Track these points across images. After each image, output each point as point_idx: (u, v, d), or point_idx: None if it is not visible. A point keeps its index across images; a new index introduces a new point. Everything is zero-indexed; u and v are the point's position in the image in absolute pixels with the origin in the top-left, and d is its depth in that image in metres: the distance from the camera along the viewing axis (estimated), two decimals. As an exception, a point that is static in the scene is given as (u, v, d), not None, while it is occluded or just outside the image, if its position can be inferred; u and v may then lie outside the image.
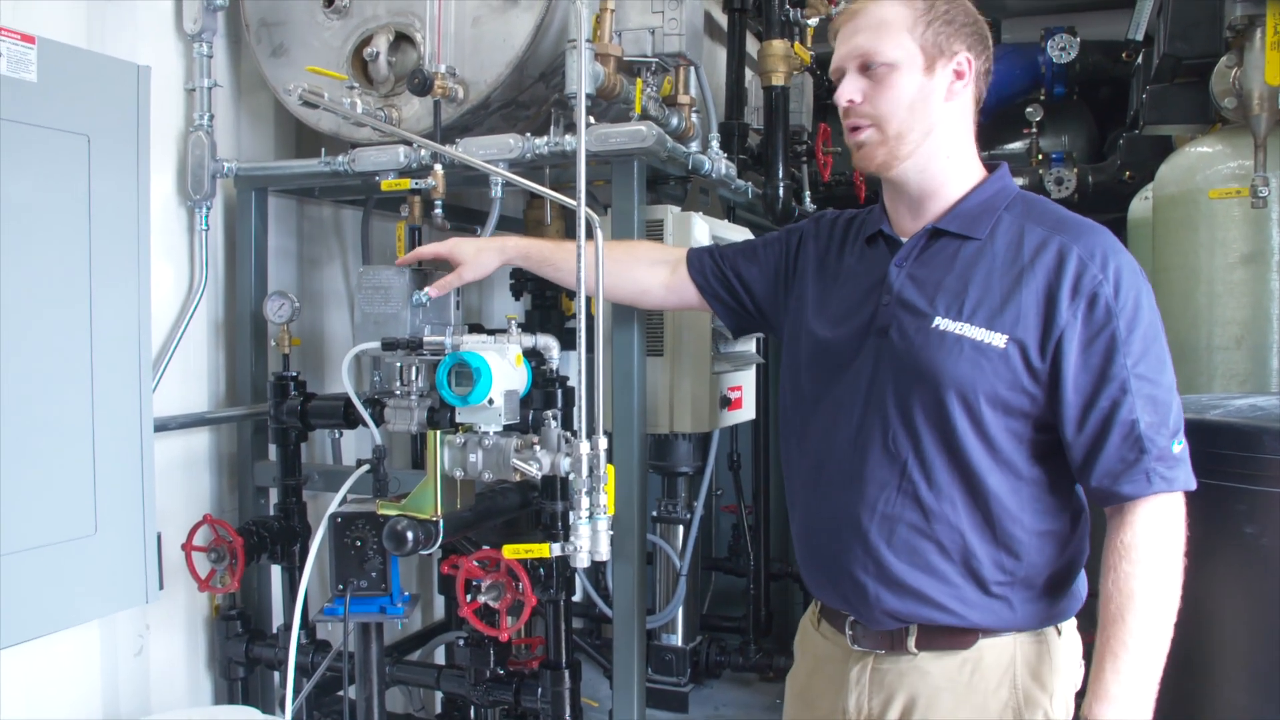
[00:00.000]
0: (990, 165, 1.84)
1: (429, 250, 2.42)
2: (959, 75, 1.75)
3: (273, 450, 2.83)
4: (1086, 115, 5.89)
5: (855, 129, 1.80)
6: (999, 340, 1.68)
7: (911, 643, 1.77)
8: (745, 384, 2.95)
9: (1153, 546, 1.65)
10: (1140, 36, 5.02)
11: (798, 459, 1.93)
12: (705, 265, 2.21)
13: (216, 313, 3.01)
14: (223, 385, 3.03)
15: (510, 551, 2.13)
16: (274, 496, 2.86)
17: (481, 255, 2.38)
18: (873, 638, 1.81)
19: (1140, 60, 4.25)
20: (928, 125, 1.75)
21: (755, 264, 2.14)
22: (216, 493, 2.99)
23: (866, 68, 1.76)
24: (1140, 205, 4.04)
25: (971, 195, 1.79)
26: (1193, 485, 1.68)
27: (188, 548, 2.66)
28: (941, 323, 1.72)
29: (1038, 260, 1.68)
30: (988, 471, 1.71)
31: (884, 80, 1.74)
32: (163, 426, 2.65)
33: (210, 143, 2.89)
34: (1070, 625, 1.81)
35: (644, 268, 2.29)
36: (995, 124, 5.78)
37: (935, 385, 1.70)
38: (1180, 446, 1.67)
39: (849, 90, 1.77)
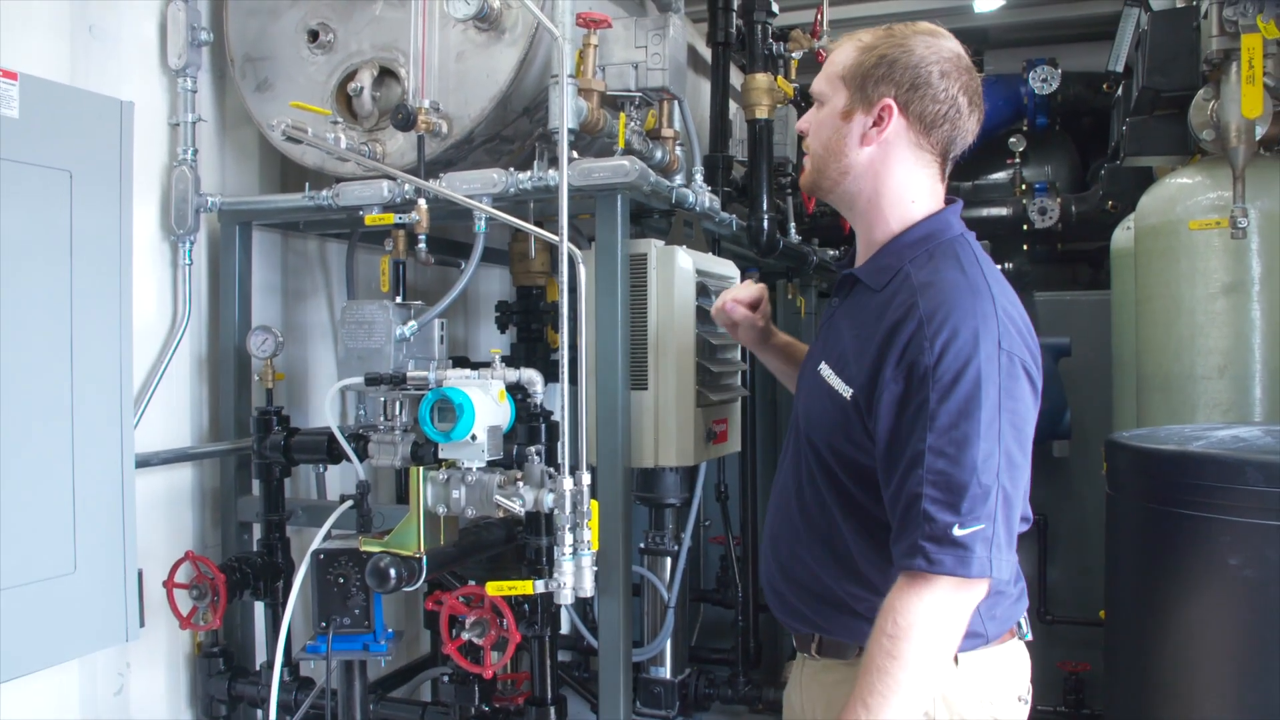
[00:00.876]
0: (949, 200, 1.82)
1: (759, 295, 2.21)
2: (878, 122, 1.74)
3: (256, 485, 2.81)
4: (1069, 145, 5.95)
5: (804, 154, 1.88)
6: (846, 391, 1.70)
7: (813, 647, 1.84)
8: (731, 417, 2.94)
9: (902, 620, 1.56)
10: (1120, 68, 5.08)
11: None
12: None
13: (200, 347, 3.00)
14: (206, 420, 3.01)
15: (494, 588, 2.12)
16: (257, 532, 2.84)
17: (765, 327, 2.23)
18: (799, 641, 1.88)
19: (1120, 92, 4.29)
20: (843, 166, 1.77)
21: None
22: (199, 528, 2.97)
23: (816, 100, 1.82)
24: (1123, 235, 4.07)
25: (895, 241, 1.78)
26: (970, 574, 1.53)
27: (169, 585, 2.64)
28: (822, 369, 1.78)
29: (890, 319, 1.66)
30: (840, 510, 1.75)
31: (819, 113, 1.81)
32: (145, 463, 2.64)
33: (194, 177, 2.89)
34: (971, 657, 1.72)
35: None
36: (979, 154, 5.81)
37: (806, 427, 1.80)
38: (967, 531, 1.53)
39: (803, 119, 1.86)
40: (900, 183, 1.78)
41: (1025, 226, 5.44)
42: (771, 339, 2.24)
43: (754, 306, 2.17)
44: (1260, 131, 3.00)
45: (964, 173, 5.66)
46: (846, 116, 1.76)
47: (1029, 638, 1.82)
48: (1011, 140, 5.64)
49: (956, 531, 1.53)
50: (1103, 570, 4.50)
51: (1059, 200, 5.40)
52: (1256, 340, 3.08)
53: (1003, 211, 5.46)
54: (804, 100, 4.17)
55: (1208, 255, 3.11)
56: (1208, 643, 2.10)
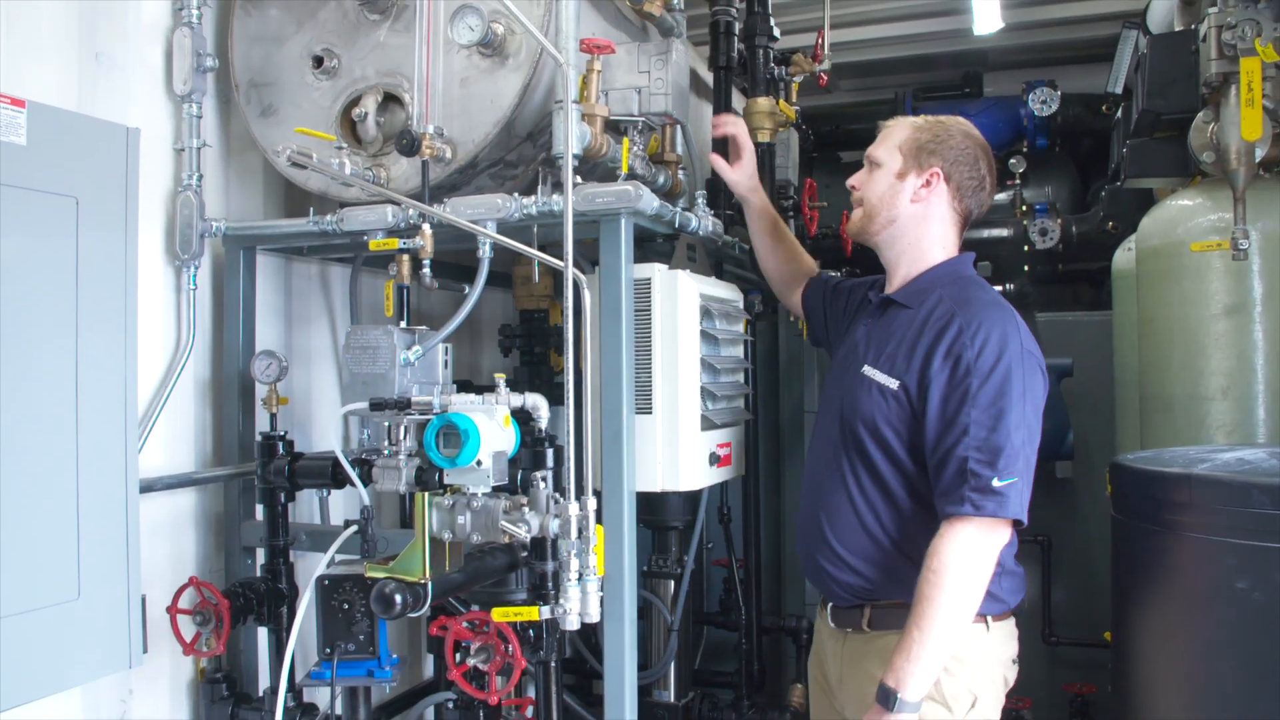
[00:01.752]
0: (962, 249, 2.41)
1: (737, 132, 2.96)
2: (926, 185, 2.34)
3: (260, 510, 2.81)
4: (1069, 166, 5.97)
5: (854, 204, 2.47)
6: (893, 383, 2.23)
7: (865, 621, 2.27)
8: (734, 440, 2.94)
9: (952, 557, 2.04)
10: (1119, 90, 5.11)
11: (805, 470, 2.52)
12: (813, 292, 2.82)
13: (203, 371, 3.00)
14: (209, 444, 3.01)
15: (499, 614, 2.12)
16: (260, 557, 2.84)
17: (753, 179, 2.97)
18: (841, 618, 2.33)
19: (1120, 113, 4.31)
20: (892, 215, 2.37)
21: (837, 304, 2.72)
22: (202, 553, 2.96)
23: (871, 164, 2.43)
24: (1124, 256, 4.08)
25: (921, 276, 2.36)
26: (1008, 515, 2.04)
27: (173, 610, 2.63)
28: (865, 369, 2.30)
29: (934, 327, 2.21)
30: (892, 482, 2.24)
31: (872, 174, 2.42)
32: (149, 488, 2.63)
33: (199, 202, 2.90)
34: (1002, 623, 2.24)
35: (801, 274, 2.91)
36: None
37: (853, 414, 2.28)
38: (1004, 483, 2.03)
39: (855, 177, 2.48)
40: (934, 233, 2.38)
41: (1026, 247, 5.44)
42: (760, 190, 2.94)
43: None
44: (1260, 154, 3.02)
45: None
46: (901, 177, 2.36)
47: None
48: (1012, 161, 5.65)
49: (995, 483, 2.04)
50: (1107, 591, 4.49)
51: (1060, 221, 5.40)
52: (1259, 361, 3.08)
53: (1004, 232, 5.46)
54: (804, 123, 4.20)
55: (1209, 277, 3.12)
56: (1216, 667, 2.09)
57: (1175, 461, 2.28)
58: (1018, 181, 5.67)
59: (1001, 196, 5.92)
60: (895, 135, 2.40)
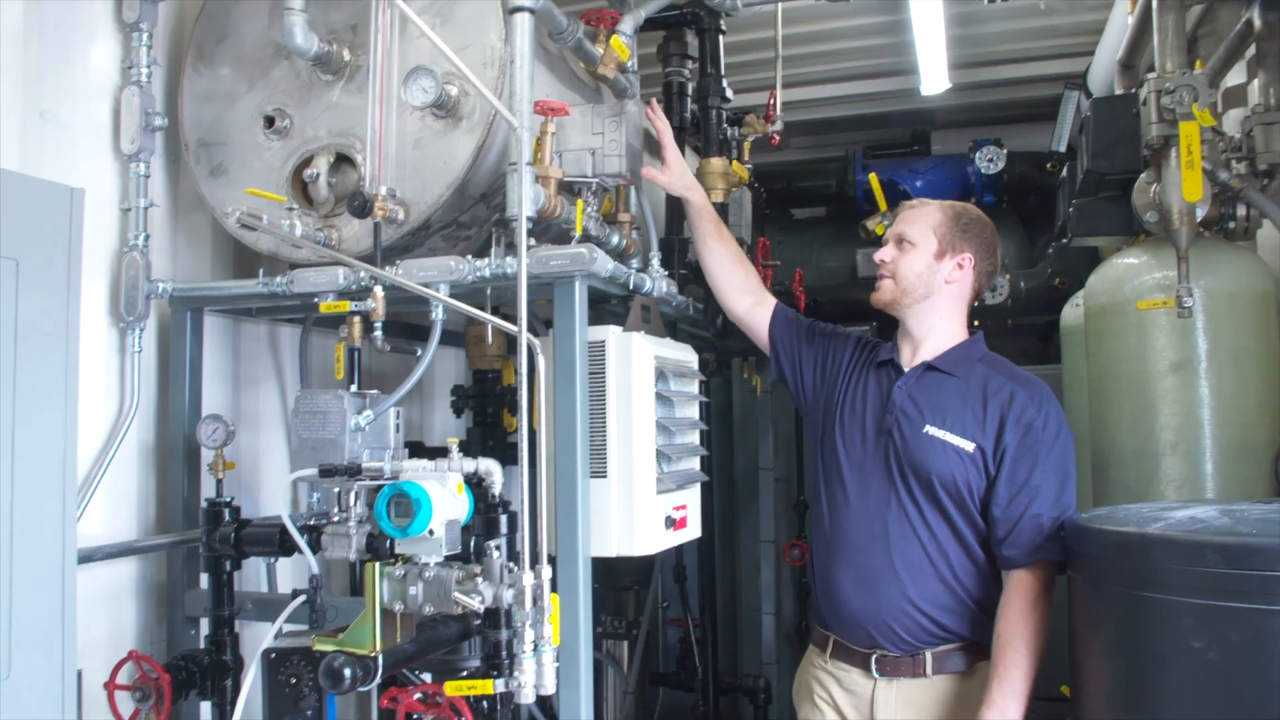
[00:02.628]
0: (972, 330, 2.69)
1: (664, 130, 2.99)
2: (959, 267, 2.60)
3: (204, 579, 2.73)
4: (1015, 223, 6.07)
5: (881, 277, 2.65)
6: (969, 445, 2.48)
7: (928, 667, 2.46)
8: (690, 502, 2.91)
9: (1039, 599, 2.38)
10: (1062, 148, 5.22)
11: (829, 522, 2.64)
12: (784, 323, 2.89)
13: (147, 436, 2.93)
14: (152, 511, 2.93)
15: (453, 688, 2.06)
16: (205, 627, 2.75)
17: (685, 178, 2.98)
18: (893, 666, 2.48)
19: (1065, 172, 4.39)
20: (926, 291, 2.60)
21: (814, 347, 2.82)
22: (143, 624, 2.87)
23: (900, 241, 2.63)
24: (1072, 312, 4.13)
25: (956, 348, 2.62)
26: (1063, 557, 2.35)
27: (110, 686, 2.53)
28: (930, 429, 2.51)
29: (998, 398, 2.50)
30: (966, 532, 2.48)
31: (907, 253, 2.61)
32: (88, 558, 2.55)
33: (145, 263, 2.85)
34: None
35: (749, 282, 2.96)
36: (929, 232, 5.94)
37: (926, 472, 2.48)
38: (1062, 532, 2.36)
39: (885, 253, 2.65)
40: (958, 309, 2.66)
41: (977, 303, 5.50)
42: (698, 187, 3.01)
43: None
44: (1200, 214, 3.08)
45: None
46: (939, 258, 2.59)
47: None
48: (960, 218, 5.73)
49: (1060, 534, 2.36)
50: (1063, 645, 4.48)
51: (1008, 277, 5.48)
52: (1206, 416, 3.12)
53: (954, 287, 5.52)
54: (757, 182, 4.24)
55: (1155, 333, 3.16)
56: (1176, 728, 2.08)
57: (1130, 520, 2.28)
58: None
59: (951, 253, 6.00)
60: (927, 217, 2.63)
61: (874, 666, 2.50)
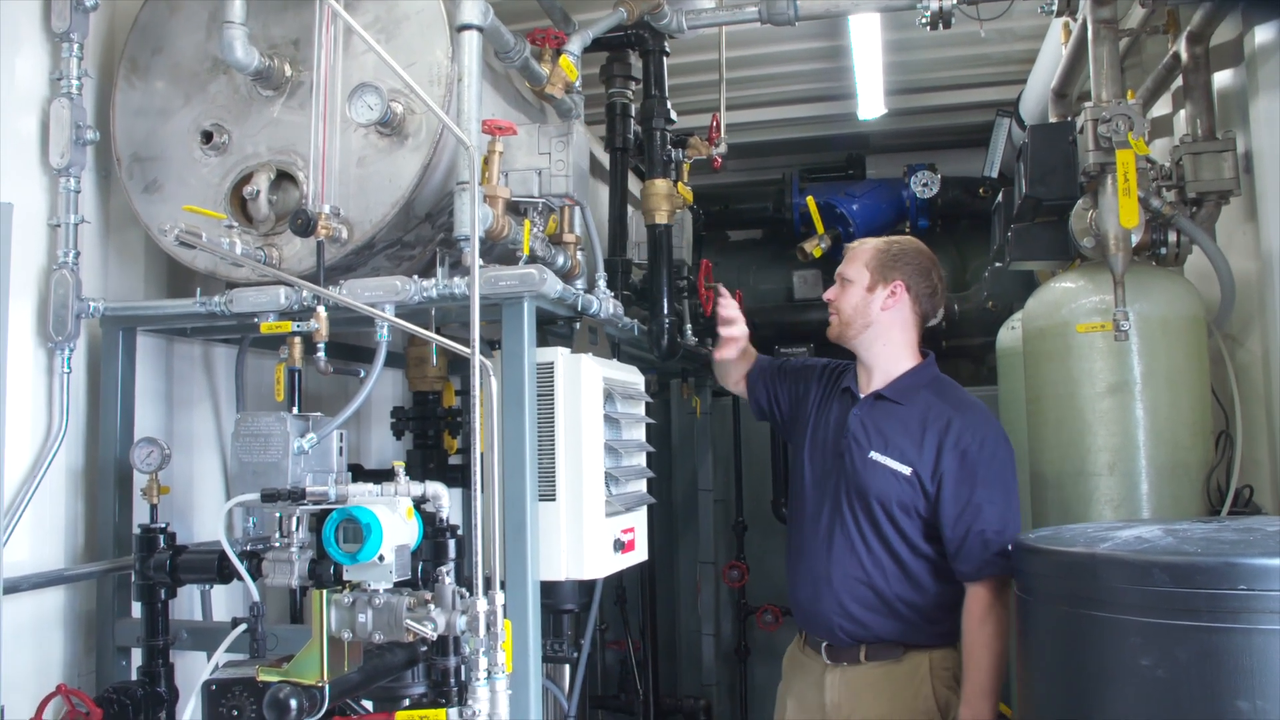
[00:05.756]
0: (923, 352, 2.92)
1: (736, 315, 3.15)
2: (892, 294, 2.83)
3: (137, 608, 2.63)
4: (949, 246, 6.17)
5: (830, 315, 2.92)
6: (906, 470, 2.72)
7: (862, 655, 2.77)
8: (638, 525, 2.89)
9: (991, 611, 2.63)
10: (994, 174, 5.33)
11: (794, 534, 2.96)
12: (762, 367, 3.20)
13: (76, 460, 2.82)
14: (81, 538, 2.82)
15: (404, 718, 2.00)
16: (137, 658, 2.65)
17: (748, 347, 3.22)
18: (837, 654, 2.80)
19: (1001, 198, 4.47)
20: (866, 321, 2.85)
21: (785, 384, 3.12)
22: (71, 656, 2.75)
23: (841, 280, 2.90)
24: (1008, 335, 4.20)
25: (905, 375, 2.86)
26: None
27: (37, 723, 2.43)
28: (874, 454, 2.76)
29: (935, 425, 2.73)
30: (899, 547, 2.73)
31: (845, 289, 2.89)
32: (13, 588, 2.44)
33: (75, 281, 2.75)
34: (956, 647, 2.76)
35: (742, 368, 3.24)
36: (865, 255, 6.01)
37: (866, 493, 2.75)
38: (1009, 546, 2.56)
39: (830, 293, 2.94)
40: (903, 336, 2.88)
41: (932, 323, 5.59)
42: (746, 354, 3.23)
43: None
44: (1135, 239, 3.15)
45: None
46: (871, 290, 2.84)
47: None
48: (895, 241, 5.81)
49: (1008, 548, 2.55)
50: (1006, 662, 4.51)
51: (943, 299, 5.57)
52: (1141, 438, 3.18)
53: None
54: (696, 205, 4.25)
55: (1093, 356, 3.21)
56: (1125, 746, 2.11)
57: (1076, 540, 2.31)
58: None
59: (886, 275, 6.08)
60: (861, 256, 2.89)
61: (824, 654, 2.83)
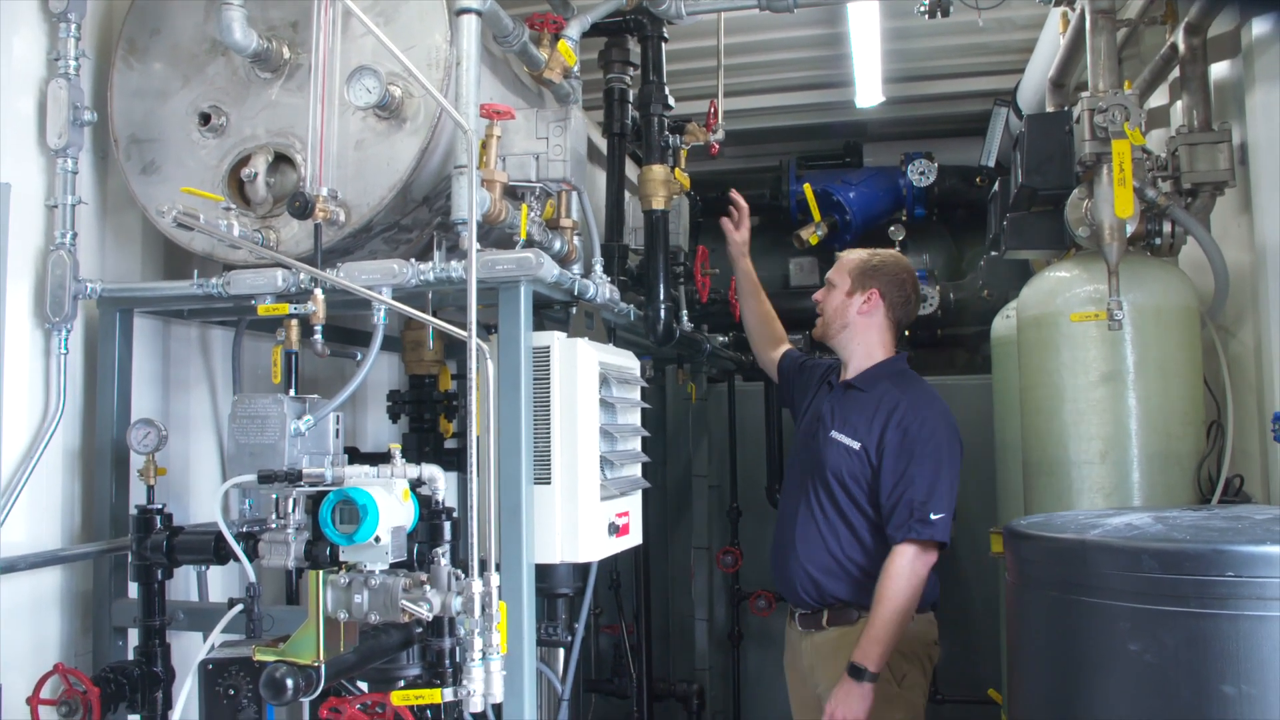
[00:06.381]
0: (897, 352, 3.29)
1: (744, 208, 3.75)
2: (868, 301, 3.22)
3: (134, 588, 2.64)
4: (945, 235, 6.19)
5: (818, 315, 3.32)
6: (856, 445, 3.10)
7: (825, 620, 3.12)
8: (633, 509, 2.90)
9: (903, 568, 2.93)
10: (991, 163, 5.33)
11: (779, 508, 3.41)
12: (789, 362, 3.64)
13: (73, 441, 2.83)
14: (78, 519, 2.83)
15: (399, 698, 2.03)
16: (134, 638, 2.66)
17: (748, 244, 3.77)
18: (807, 621, 3.17)
19: (997, 187, 4.48)
20: (844, 322, 3.26)
21: (801, 377, 3.54)
22: (68, 636, 2.77)
23: (828, 284, 3.29)
24: (1003, 323, 4.22)
25: (872, 367, 3.23)
26: (942, 538, 2.96)
27: (34, 701, 2.44)
28: (833, 433, 3.15)
29: (886, 406, 3.09)
30: (851, 513, 3.10)
31: (828, 292, 3.31)
32: (10, 568, 2.46)
33: (72, 262, 2.75)
34: (923, 615, 3.14)
35: (775, 335, 3.77)
36: (862, 243, 6.01)
37: (824, 467, 3.13)
38: (937, 516, 2.93)
39: (818, 295, 3.35)
40: (876, 337, 3.26)
41: (907, 331, 5.60)
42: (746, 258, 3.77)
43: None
44: (1130, 229, 3.17)
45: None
46: (850, 295, 3.24)
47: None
48: (891, 230, 5.83)
49: (932, 516, 2.93)
50: (990, 650, 4.56)
51: (939, 288, 5.58)
52: (1134, 427, 3.20)
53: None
54: (693, 191, 4.26)
55: (1087, 345, 3.23)
56: (1113, 730, 2.13)
57: (1068, 527, 2.33)
58: (897, 249, 5.85)
59: (882, 264, 6.09)
60: (847, 264, 3.28)
61: (798, 623, 3.21)
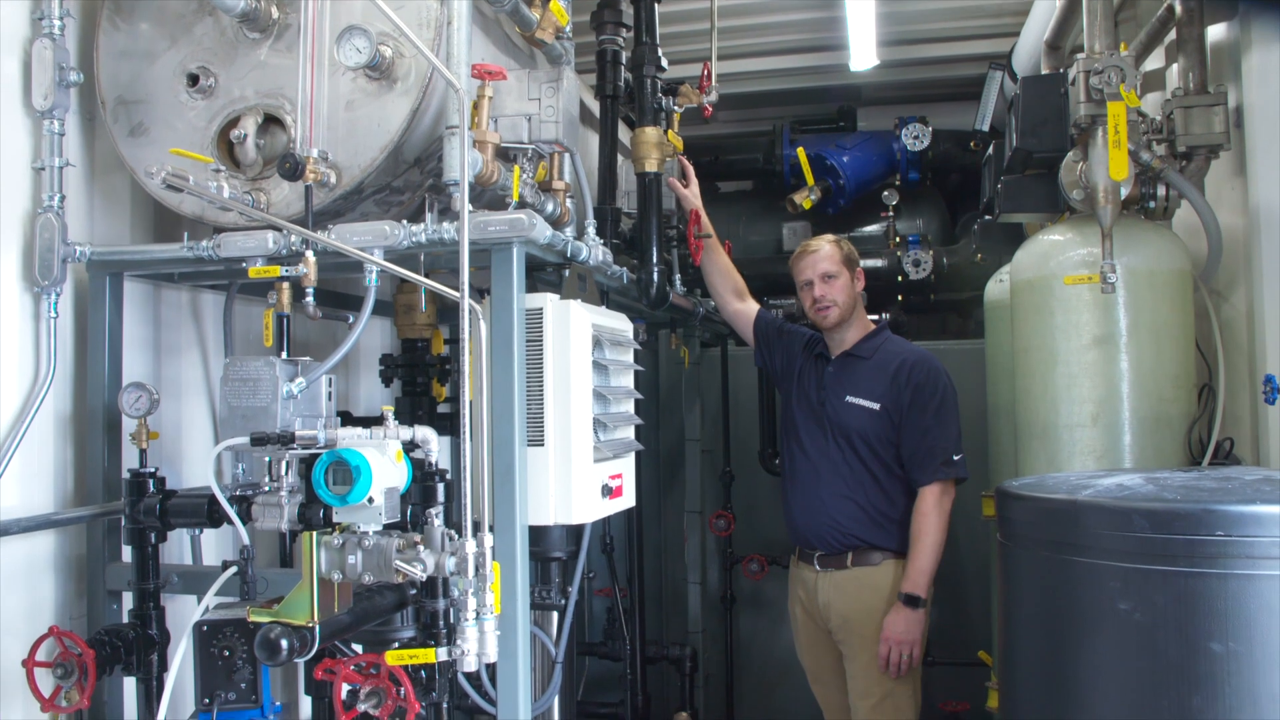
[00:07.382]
0: (876, 322, 3.78)
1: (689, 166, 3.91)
2: (857, 279, 3.65)
3: (127, 552, 2.64)
4: (938, 200, 6.16)
5: (825, 307, 3.60)
6: (875, 406, 3.51)
7: (849, 561, 3.53)
8: (626, 471, 2.91)
9: (931, 507, 3.39)
10: (986, 127, 5.31)
11: (789, 469, 3.77)
12: (766, 324, 3.91)
13: (64, 406, 2.82)
14: (70, 483, 2.82)
15: (394, 657, 2.03)
16: (128, 601, 2.67)
17: (699, 197, 3.88)
18: (827, 561, 3.57)
19: (991, 150, 4.47)
20: (851, 302, 3.63)
21: (781, 341, 3.86)
22: (62, 600, 2.77)
23: (825, 277, 3.59)
24: (996, 287, 4.21)
25: (867, 337, 3.67)
26: (963, 475, 3.45)
27: (29, 664, 2.44)
28: (850, 398, 3.56)
29: (893, 367, 3.52)
30: (875, 466, 3.51)
31: (832, 284, 3.60)
32: (3, 531, 2.46)
33: (61, 225, 2.73)
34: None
35: (738, 287, 3.97)
36: (856, 208, 5.99)
37: (847, 429, 3.55)
38: (958, 458, 3.43)
39: (820, 289, 3.60)
40: (861, 309, 3.73)
41: (900, 278, 5.60)
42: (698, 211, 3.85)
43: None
44: (1124, 192, 3.16)
45: (840, 225, 5.81)
46: (850, 281, 3.62)
47: None
48: (885, 194, 5.81)
49: (954, 458, 3.42)
50: (980, 613, 4.59)
51: (931, 253, 5.57)
52: (1125, 389, 3.22)
53: (879, 263, 5.61)
54: (689, 153, 4.24)
55: (1079, 309, 3.24)
56: (1103, 685, 2.15)
57: (1060, 488, 2.35)
58: (891, 214, 5.83)
59: (875, 228, 6.09)
60: (834, 254, 3.62)
61: (816, 563, 3.60)
